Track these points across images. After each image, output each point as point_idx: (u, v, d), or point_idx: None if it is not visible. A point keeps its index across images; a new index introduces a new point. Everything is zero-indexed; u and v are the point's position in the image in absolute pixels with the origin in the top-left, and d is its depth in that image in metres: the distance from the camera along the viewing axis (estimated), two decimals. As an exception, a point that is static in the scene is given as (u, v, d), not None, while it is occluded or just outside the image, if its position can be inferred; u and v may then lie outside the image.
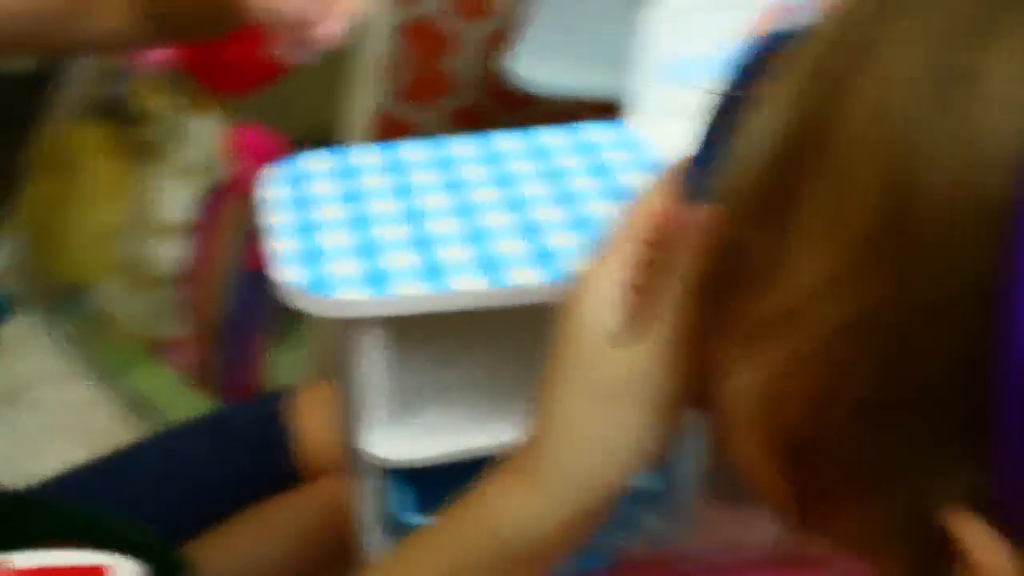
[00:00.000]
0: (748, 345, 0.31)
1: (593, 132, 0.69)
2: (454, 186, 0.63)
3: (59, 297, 1.44)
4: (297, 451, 0.92)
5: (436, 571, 0.37)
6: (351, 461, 0.66)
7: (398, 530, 0.64)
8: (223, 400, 1.28)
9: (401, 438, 0.61)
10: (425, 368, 0.66)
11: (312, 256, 0.57)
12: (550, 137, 0.68)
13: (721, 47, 0.71)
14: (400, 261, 0.56)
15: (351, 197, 0.62)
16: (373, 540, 0.66)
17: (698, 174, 0.37)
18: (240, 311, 1.33)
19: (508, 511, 0.36)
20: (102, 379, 1.36)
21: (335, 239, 0.58)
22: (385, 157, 0.66)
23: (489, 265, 0.56)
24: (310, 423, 0.93)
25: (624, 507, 0.70)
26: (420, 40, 1.31)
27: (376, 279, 0.55)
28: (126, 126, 1.35)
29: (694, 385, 0.35)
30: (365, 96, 1.18)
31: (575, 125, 0.69)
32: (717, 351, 0.32)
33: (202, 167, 1.29)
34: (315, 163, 0.65)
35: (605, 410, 0.35)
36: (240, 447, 0.93)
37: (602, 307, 0.37)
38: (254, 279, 1.30)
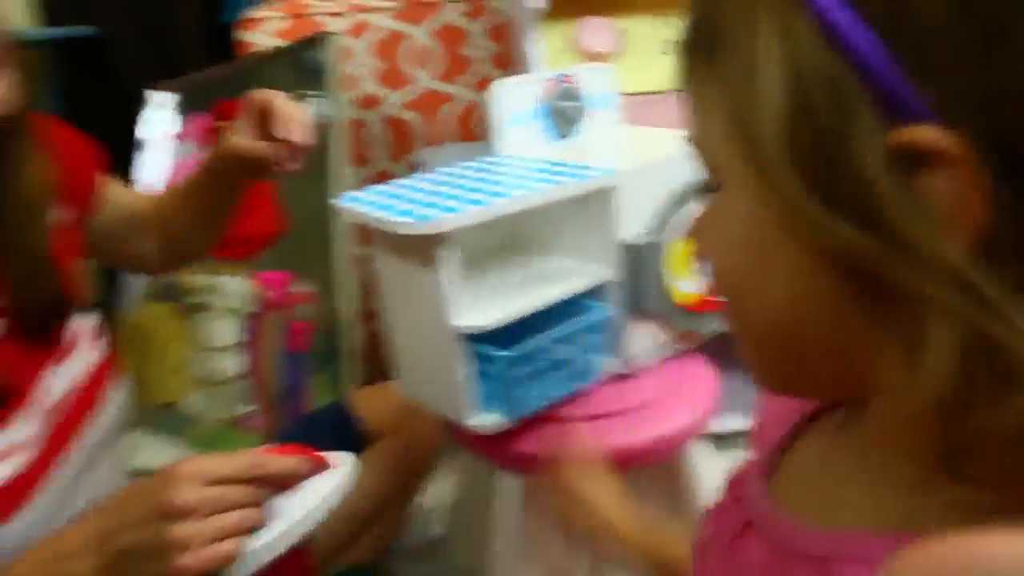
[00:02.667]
0: None
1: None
2: None
3: (160, 413, 1.79)
4: (363, 425, 1.22)
5: None
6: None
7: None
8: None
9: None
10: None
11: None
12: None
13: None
14: None
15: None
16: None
17: None
18: (289, 379, 1.72)
19: None
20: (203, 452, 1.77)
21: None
22: None
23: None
24: (366, 406, 1.25)
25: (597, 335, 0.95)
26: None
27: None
28: (179, 300, 1.85)
29: None
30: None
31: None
32: None
33: (240, 306, 1.81)
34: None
35: None
36: (327, 430, 1.21)
37: None
38: (293, 358, 1.77)
